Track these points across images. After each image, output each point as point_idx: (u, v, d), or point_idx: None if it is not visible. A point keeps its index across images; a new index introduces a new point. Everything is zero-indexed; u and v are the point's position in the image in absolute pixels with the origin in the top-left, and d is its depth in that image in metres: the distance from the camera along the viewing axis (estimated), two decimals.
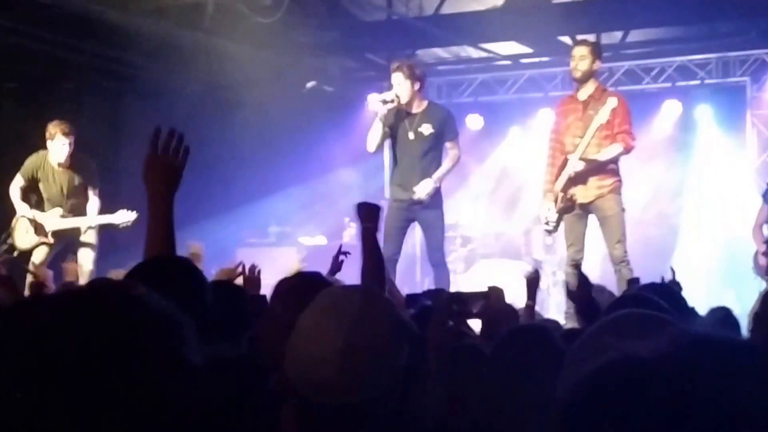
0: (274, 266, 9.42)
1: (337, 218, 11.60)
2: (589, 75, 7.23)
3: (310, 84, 11.10)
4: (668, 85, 11.45)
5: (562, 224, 7.39)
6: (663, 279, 4.66)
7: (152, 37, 9.21)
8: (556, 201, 7.29)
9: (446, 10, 10.80)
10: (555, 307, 9.80)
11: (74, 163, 7.80)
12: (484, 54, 12.06)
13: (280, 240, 11.21)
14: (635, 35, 11.46)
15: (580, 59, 7.20)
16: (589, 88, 7.25)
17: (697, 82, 11.34)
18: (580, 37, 11.17)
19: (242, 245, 10.63)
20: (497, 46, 11.77)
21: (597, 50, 7.36)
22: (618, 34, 11.43)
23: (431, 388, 2.67)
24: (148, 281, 2.35)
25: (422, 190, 7.43)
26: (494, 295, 3.94)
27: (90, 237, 7.89)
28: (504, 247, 10.84)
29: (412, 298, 4.81)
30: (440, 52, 12.50)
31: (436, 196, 7.57)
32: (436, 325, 3.17)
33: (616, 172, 7.27)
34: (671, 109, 11.56)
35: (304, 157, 11.74)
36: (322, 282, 3.15)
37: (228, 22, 9.17)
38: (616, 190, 7.24)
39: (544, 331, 2.74)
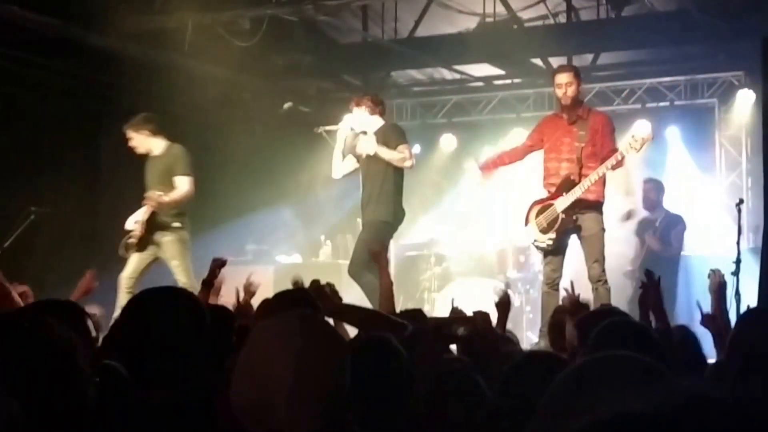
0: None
1: (314, 236, 11.73)
2: (577, 99, 7.32)
3: (287, 105, 11.23)
4: (638, 106, 11.62)
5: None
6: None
7: (132, 60, 9.34)
8: (553, 220, 7.32)
9: (420, 32, 11.00)
10: (527, 323, 9.95)
11: None
12: (457, 76, 12.26)
13: (258, 258, 11.29)
14: (606, 58, 11.69)
15: (568, 86, 7.23)
16: (576, 109, 7.31)
17: (667, 103, 11.52)
18: (555, 61, 11.46)
19: None
20: (470, 68, 11.97)
21: (579, 74, 7.47)
22: (589, 57, 11.66)
23: (419, 411, 2.71)
24: (149, 309, 2.51)
25: (363, 144, 7.61)
26: (480, 320, 4.03)
27: None
28: (477, 266, 10.97)
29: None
30: (414, 73, 12.70)
31: (380, 204, 7.66)
32: (424, 350, 3.26)
33: (599, 193, 7.31)
34: (641, 128, 11.75)
35: (282, 176, 11.86)
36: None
37: (207, 45, 9.31)
38: (598, 208, 7.31)
39: (554, 360, 2.76)
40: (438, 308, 10.16)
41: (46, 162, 9.37)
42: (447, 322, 3.83)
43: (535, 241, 7.49)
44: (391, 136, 7.76)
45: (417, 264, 11.41)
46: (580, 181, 7.16)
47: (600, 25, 10.62)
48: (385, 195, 7.68)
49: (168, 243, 7.96)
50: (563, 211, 7.22)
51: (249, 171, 11.66)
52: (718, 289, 5.12)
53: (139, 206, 7.94)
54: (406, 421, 2.71)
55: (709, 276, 5.25)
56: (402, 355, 2.95)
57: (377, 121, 7.85)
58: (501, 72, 12.14)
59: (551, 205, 7.31)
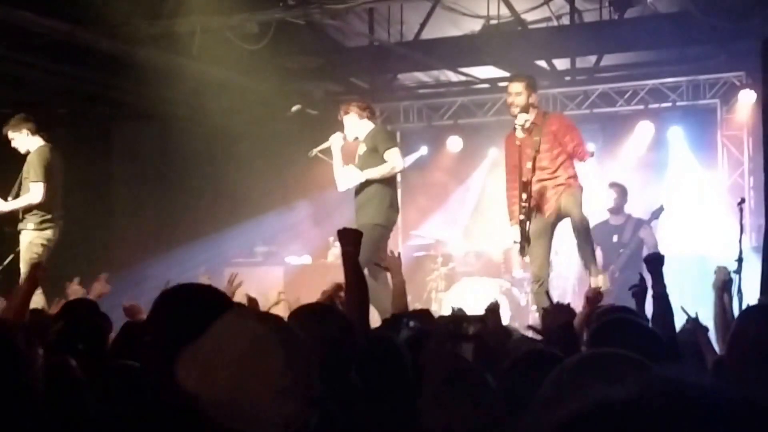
0: (261, 285, 9.71)
1: (323, 238, 11.84)
2: (526, 109, 7.43)
3: (295, 108, 11.35)
4: (641, 107, 11.68)
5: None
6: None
7: (143, 64, 9.47)
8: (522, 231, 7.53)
9: (426, 35, 11.10)
10: (534, 323, 10.05)
11: None
12: (463, 78, 12.35)
13: (267, 259, 11.40)
14: (609, 59, 11.77)
15: (516, 95, 7.42)
16: (531, 116, 7.44)
17: (669, 104, 11.57)
18: (559, 63, 11.59)
19: (229, 264, 10.82)
20: (476, 70, 12.06)
21: (533, 84, 7.57)
22: (592, 58, 11.75)
23: (427, 410, 2.73)
24: (174, 307, 2.51)
25: (344, 179, 7.80)
26: (491, 317, 4.11)
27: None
28: (484, 266, 11.08)
29: (397, 318, 4.77)
30: (421, 75, 12.80)
31: (370, 208, 7.80)
32: (434, 348, 3.33)
33: (572, 182, 7.51)
34: (644, 130, 11.76)
35: (290, 178, 11.98)
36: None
37: (216, 50, 9.43)
38: (570, 183, 7.49)
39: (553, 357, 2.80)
40: (445, 308, 10.28)
41: None
42: (458, 321, 3.89)
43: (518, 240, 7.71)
44: (380, 140, 7.95)
45: (424, 264, 11.53)
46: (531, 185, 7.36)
47: (603, 26, 10.69)
48: (378, 198, 7.85)
49: (22, 243, 8.03)
50: (520, 220, 7.45)
51: (258, 173, 11.77)
52: (723, 285, 5.21)
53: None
54: (415, 420, 2.77)
55: (715, 272, 5.37)
56: (405, 354, 3.01)
57: (366, 125, 8.03)
58: (506, 74, 12.21)
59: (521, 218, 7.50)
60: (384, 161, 7.86)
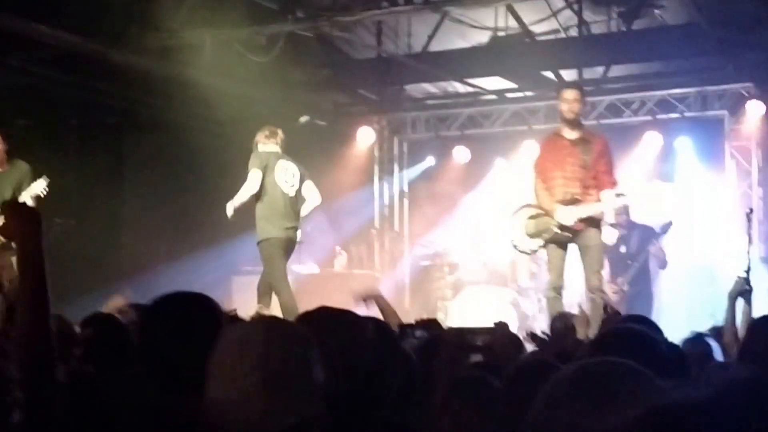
0: None
1: (329, 247, 11.89)
2: (579, 116, 7.66)
3: (303, 118, 11.43)
4: (649, 118, 11.70)
5: (543, 251, 7.78)
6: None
7: (153, 75, 9.55)
8: (544, 230, 7.58)
9: (434, 47, 11.16)
10: (540, 332, 10.06)
11: None
12: (470, 89, 12.40)
13: None
14: (616, 70, 11.80)
15: (574, 101, 7.57)
16: (577, 129, 7.63)
17: (677, 115, 11.58)
18: (567, 74, 11.62)
19: (237, 273, 10.88)
20: (483, 81, 12.11)
21: (584, 94, 7.85)
22: (600, 69, 11.77)
23: (438, 419, 2.77)
24: (168, 317, 2.55)
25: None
26: (500, 330, 4.13)
27: None
28: (490, 275, 11.11)
29: (404, 327, 4.78)
30: (428, 87, 12.86)
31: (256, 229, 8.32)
32: (444, 357, 3.37)
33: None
34: (652, 140, 11.77)
35: None
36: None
37: (225, 61, 9.52)
38: (599, 225, 7.64)
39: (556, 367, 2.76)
40: (452, 316, 10.32)
41: (70, 175, 9.59)
42: (467, 332, 3.90)
43: (515, 241, 7.78)
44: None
45: (431, 273, 11.57)
46: (582, 201, 7.46)
47: (611, 38, 10.73)
48: (256, 219, 8.26)
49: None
50: (559, 227, 7.47)
51: None
52: (737, 295, 5.24)
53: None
54: (425, 427, 2.79)
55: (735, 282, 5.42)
56: (410, 358, 3.04)
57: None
58: (513, 85, 12.28)
59: (546, 215, 7.55)
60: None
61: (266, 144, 8.38)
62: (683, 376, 3.27)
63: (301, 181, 8.35)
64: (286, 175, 8.29)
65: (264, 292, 8.16)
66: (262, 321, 2.18)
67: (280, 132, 8.43)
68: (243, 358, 1.90)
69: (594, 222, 7.54)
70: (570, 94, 7.66)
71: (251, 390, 1.87)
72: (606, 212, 7.68)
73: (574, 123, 7.60)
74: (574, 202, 7.46)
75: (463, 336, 3.89)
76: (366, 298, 5.01)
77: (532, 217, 7.67)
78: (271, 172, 8.20)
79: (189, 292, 2.76)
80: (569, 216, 7.43)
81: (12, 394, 2.04)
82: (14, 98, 8.99)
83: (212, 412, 1.91)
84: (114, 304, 5.35)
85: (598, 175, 7.52)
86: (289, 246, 8.35)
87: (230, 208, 8.11)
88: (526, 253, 7.99)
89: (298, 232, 8.46)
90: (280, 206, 8.24)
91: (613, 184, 7.58)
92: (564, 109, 7.59)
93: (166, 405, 2.33)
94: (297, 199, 8.37)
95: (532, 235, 7.64)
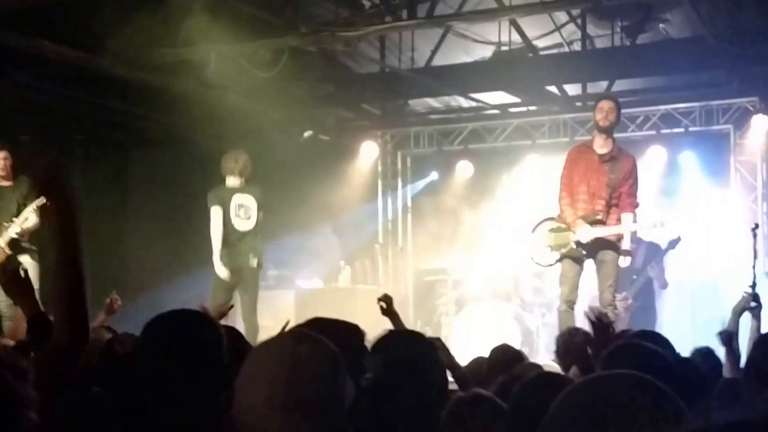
0: (272, 309, 9.74)
1: (333, 262, 11.89)
2: (613, 127, 7.74)
3: (307, 133, 11.44)
4: (653, 132, 11.69)
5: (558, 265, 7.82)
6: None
7: (158, 91, 9.57)
8: (562, 244, 7.67)
9: (437, 62, 11.16)
10: (544, 348, 10.04)
11: None
12: (473, 103, 12.40)
13: (279, 283, 11.44)
14: (621, 84, 11.77)
15: (610, 111, 7.68)
16: (609, 143, 7.72)
17: (682, 129, 11.57)
18: (570, 89, 11.63)
19: None
20: (486, 96, 12.12)
21: (620, 106, 7.90)
22: (604, 84, 11.75)
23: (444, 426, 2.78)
24: (166, 334, 2.55)
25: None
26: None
27: None
28: (494, 290, 11.08)
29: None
30: (431, 101, 12.87)
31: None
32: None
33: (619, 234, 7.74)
34: (656, 155, 11.74)
35: (302, 202, 12.03)
36: None
37: (230, 76, 9.53)
38: (618, 239, 7.69)
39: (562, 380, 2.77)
40: (455, 332, 10.29)
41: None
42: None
43: (533, 254, 7.84)
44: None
45: (434, 288, 11.55)
46: (604, 219, 7.59)
47: (615, 52, 10.72)
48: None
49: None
50: (576, 242, 7.59)
51: (269, 198, 11.83)
52: (741, 310, 5.23)
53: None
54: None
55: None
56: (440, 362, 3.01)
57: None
58: (516, 99, 12.28)
59: (567, 230, 7.59)
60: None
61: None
62: (698, 392, 3.26)
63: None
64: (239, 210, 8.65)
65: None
66: (293, 336, 2.11)
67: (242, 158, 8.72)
68: (272, 373, 1.89)
69: (611, 244, 7.64)
70: (606, 104, 7.78)
71: (278, 406, 1.86)
72: (624, 235, 7.67)
73: (608, 132, 7.72)
74: (596, 222, 7.60)
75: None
76: (389, 303, 5.06)
77: (552, 230, 7.80)
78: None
79: (186, 309, 2.75)
80: (587, 234, 7.52)
81: (27, 408, 2.01)
82: (20, 113, 9.02)
83: (238, 426, 1.90)
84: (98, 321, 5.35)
85: (622, 196, 7.66)
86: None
87: (219, 268, 8.38)
88: (542, 266, 8.02)
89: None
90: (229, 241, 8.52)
91: (634, 206, 7.67)
92: (599, 117, 7.71)
93: (180, 422, 2.33)
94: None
95: (552, 248, 7.74)
